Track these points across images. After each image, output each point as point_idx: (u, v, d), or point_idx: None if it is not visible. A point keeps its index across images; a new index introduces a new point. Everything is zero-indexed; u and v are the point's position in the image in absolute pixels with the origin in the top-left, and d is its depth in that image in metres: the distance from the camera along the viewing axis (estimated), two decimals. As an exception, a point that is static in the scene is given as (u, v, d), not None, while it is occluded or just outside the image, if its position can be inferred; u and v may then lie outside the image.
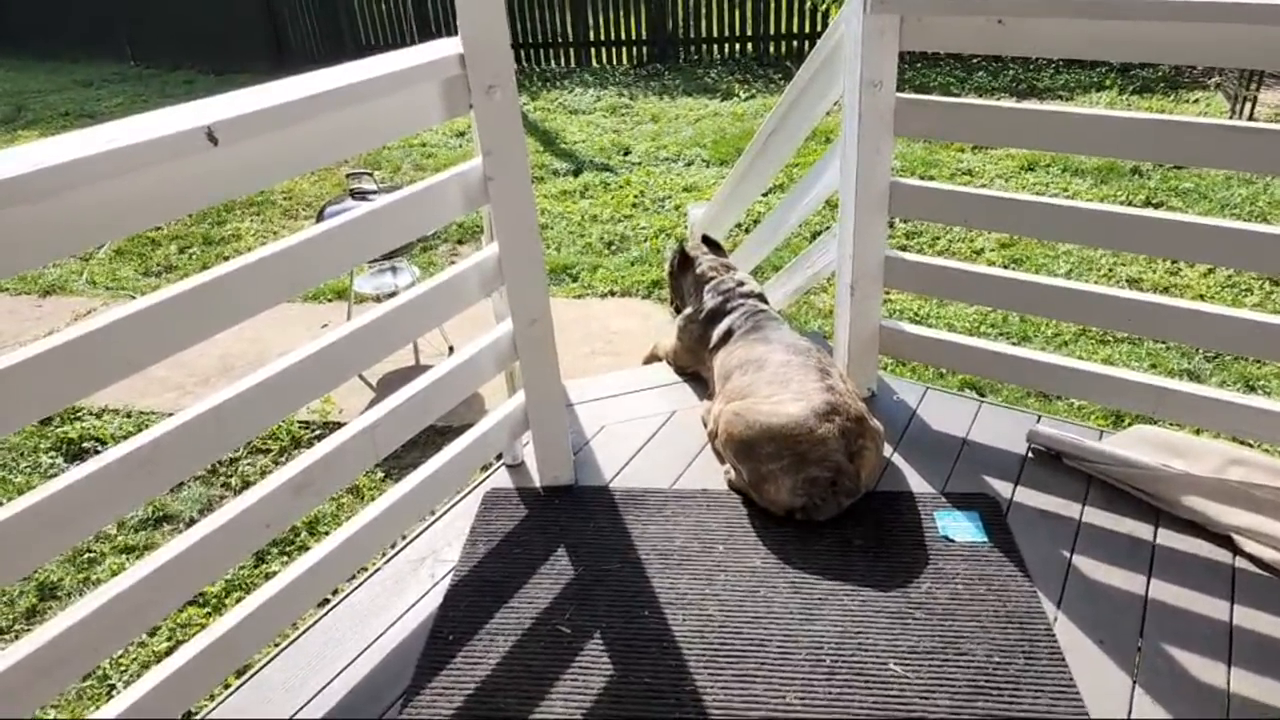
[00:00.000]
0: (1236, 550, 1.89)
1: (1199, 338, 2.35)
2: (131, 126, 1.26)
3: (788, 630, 1.74)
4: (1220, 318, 1.98)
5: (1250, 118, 5.90)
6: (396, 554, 2.03)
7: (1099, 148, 2.01)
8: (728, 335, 2.41)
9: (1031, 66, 7.43)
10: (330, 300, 4.53)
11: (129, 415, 3.60)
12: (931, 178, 5.40)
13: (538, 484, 2.21)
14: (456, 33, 1.69)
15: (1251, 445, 2.38)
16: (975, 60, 7.62)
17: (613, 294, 4.49)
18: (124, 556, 2.82)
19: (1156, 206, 4.80)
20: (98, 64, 10.55)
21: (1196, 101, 6.48)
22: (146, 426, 1.44)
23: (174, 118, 1.30)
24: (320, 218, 3.72)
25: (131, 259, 5.22)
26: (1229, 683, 1.60)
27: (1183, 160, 2.19)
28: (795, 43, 8.41)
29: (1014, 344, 3.48)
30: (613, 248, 4.96)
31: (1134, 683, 1.62)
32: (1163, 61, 6.30)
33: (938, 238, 4.59)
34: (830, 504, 1.99)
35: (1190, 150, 1.90)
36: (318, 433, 3.40)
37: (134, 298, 4.72)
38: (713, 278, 2.56)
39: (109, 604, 1.36)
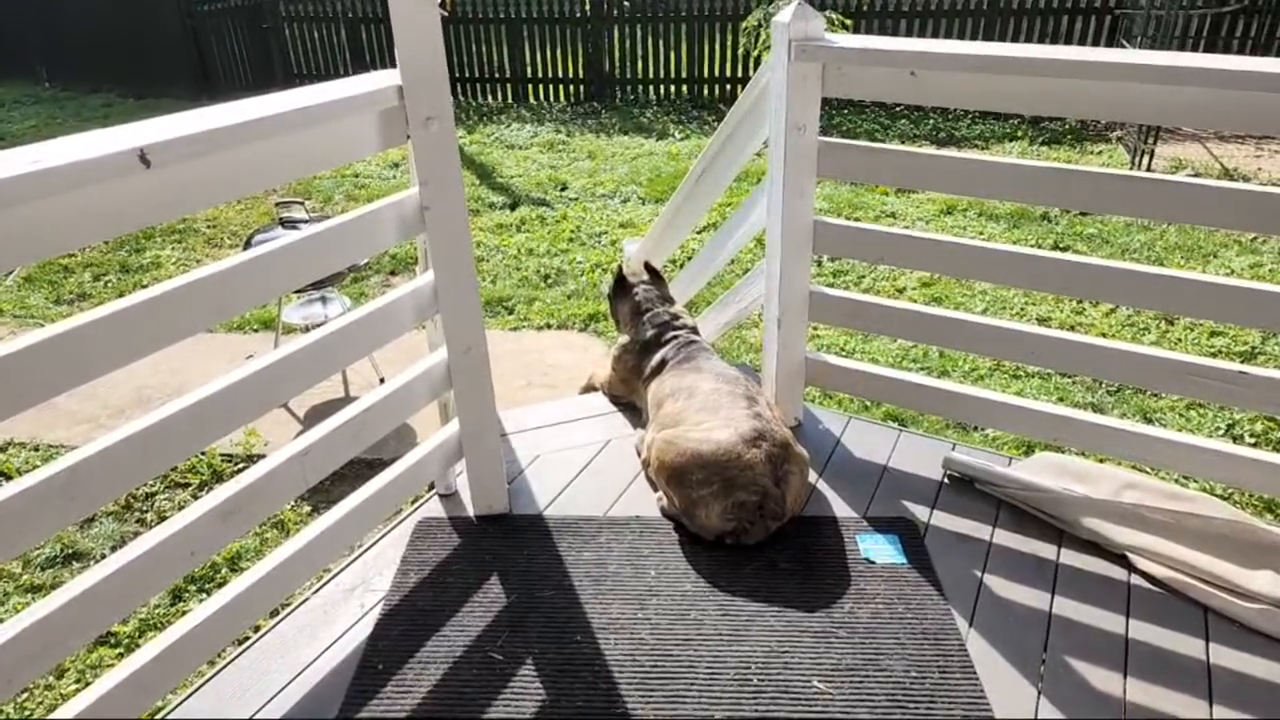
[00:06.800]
0: (1131, 568, 2.02)
1: (1101, 371, 2.51)
2: (57, 148, 1.25)
3: (716, 652, 1.78)
4: (1120, 353, 2.13)
5: (1148, 168, 6.39)
6: (325, 584, 1.99)
7: (1006, 193, 2.15)
8: (661, 365, 2.47)
9: (950, 116, 7.88)
10: (256, 330, 4.43)
11: (36, 449, 3.43)
12: (858, 218, 5.65)
13: (471, 513, 2.21)
14: (391, 64, 1.73)
15: (1149, 471, 2.56)
16: (898, 109, 8.04)
17: (549, 327, 4.52)
18: (30, 596, 2.67)
19: (1063, 250, 5.13)
20: (10, 85, 10.13)
21: (1100, 153, 6.98)
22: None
23: (104, 139, 1.29)
24: (248, 247, 3.65)
25: (42, 286, 5.00)
26: (1125, 691, 1.71)
27: (1085, 207, 2.38)
28: (728, 86, 8.71)
29: (933, 377, 3.65)
30: (549, 281, 5.01)
31: (1039, 693, 1.71)
32: (1064, 115, 6.80)
33: (863, 275, 4.80)
34: (758, 527, 2.05)
35: (1091, 198, 2.06)
36: (241, 466, 3.30)
37: (44, 326, 4.52)
38: (648, 309, 2.63)
39: (10, 643, 1.30)
